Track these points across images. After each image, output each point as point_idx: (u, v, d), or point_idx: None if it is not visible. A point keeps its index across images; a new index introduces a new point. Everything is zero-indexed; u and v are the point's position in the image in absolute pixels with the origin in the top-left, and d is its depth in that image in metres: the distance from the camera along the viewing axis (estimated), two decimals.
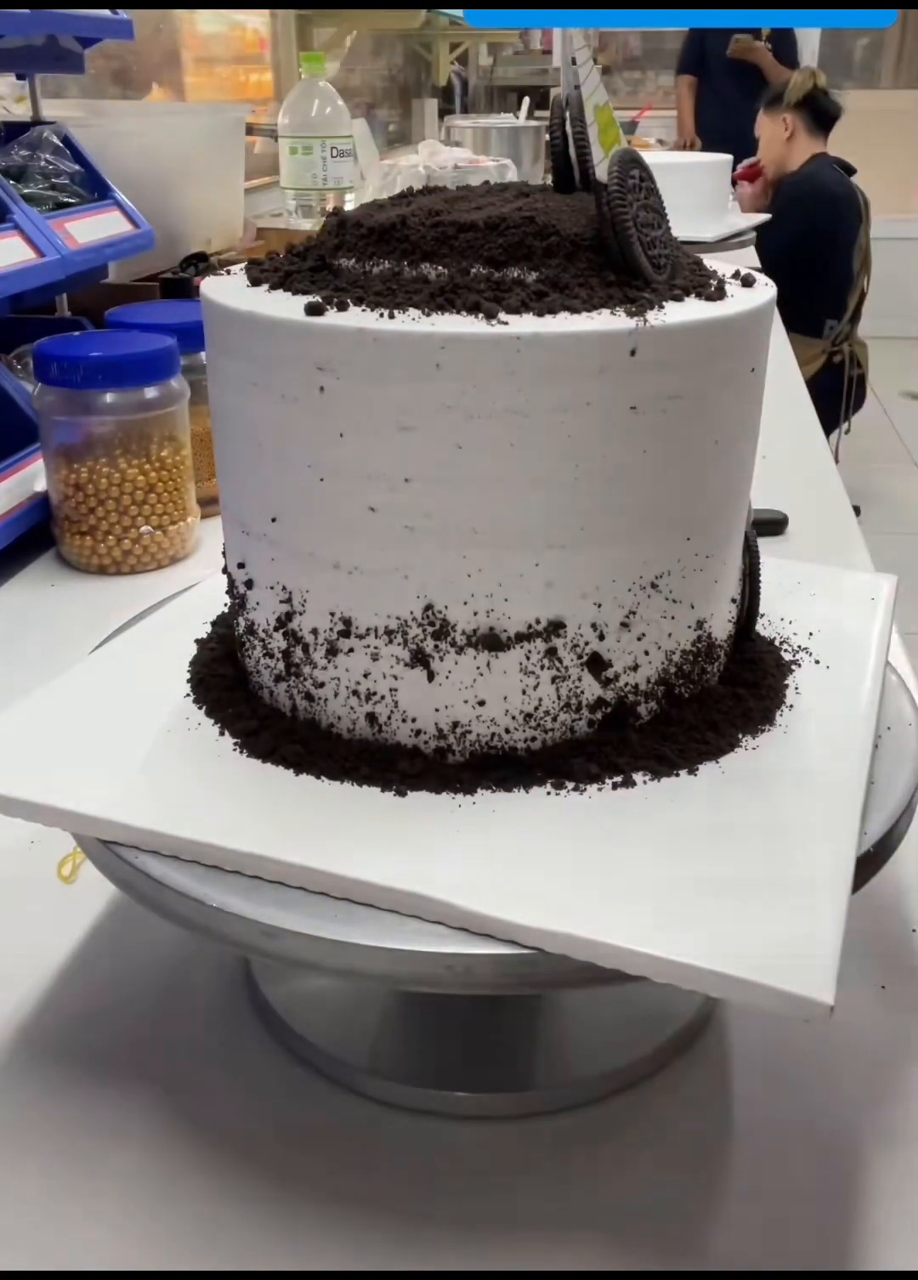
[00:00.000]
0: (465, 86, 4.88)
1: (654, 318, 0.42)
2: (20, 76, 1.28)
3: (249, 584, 0.48)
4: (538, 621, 0.44)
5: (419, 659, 0.44)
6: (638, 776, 0.45)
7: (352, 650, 0.45)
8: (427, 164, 1.92)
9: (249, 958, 0.52)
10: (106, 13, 1.25)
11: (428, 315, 0.41)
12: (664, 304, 0.43)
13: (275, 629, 0.47)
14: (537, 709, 0.45)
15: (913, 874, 0.57)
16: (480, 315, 0.41)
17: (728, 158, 2.30)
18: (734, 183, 2.81)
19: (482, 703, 0.45)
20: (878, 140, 4.73)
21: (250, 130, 2.10)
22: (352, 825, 0.42)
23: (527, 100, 2.76)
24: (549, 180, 0.52)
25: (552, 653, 0.44)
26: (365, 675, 0.45)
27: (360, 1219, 0.43)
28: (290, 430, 0.44)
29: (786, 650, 0.54)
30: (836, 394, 2.77)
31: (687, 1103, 0.47)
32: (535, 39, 5.49)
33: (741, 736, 0.47)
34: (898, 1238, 0.42)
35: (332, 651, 0.46)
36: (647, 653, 0.46)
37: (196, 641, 0.54)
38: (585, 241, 0.45)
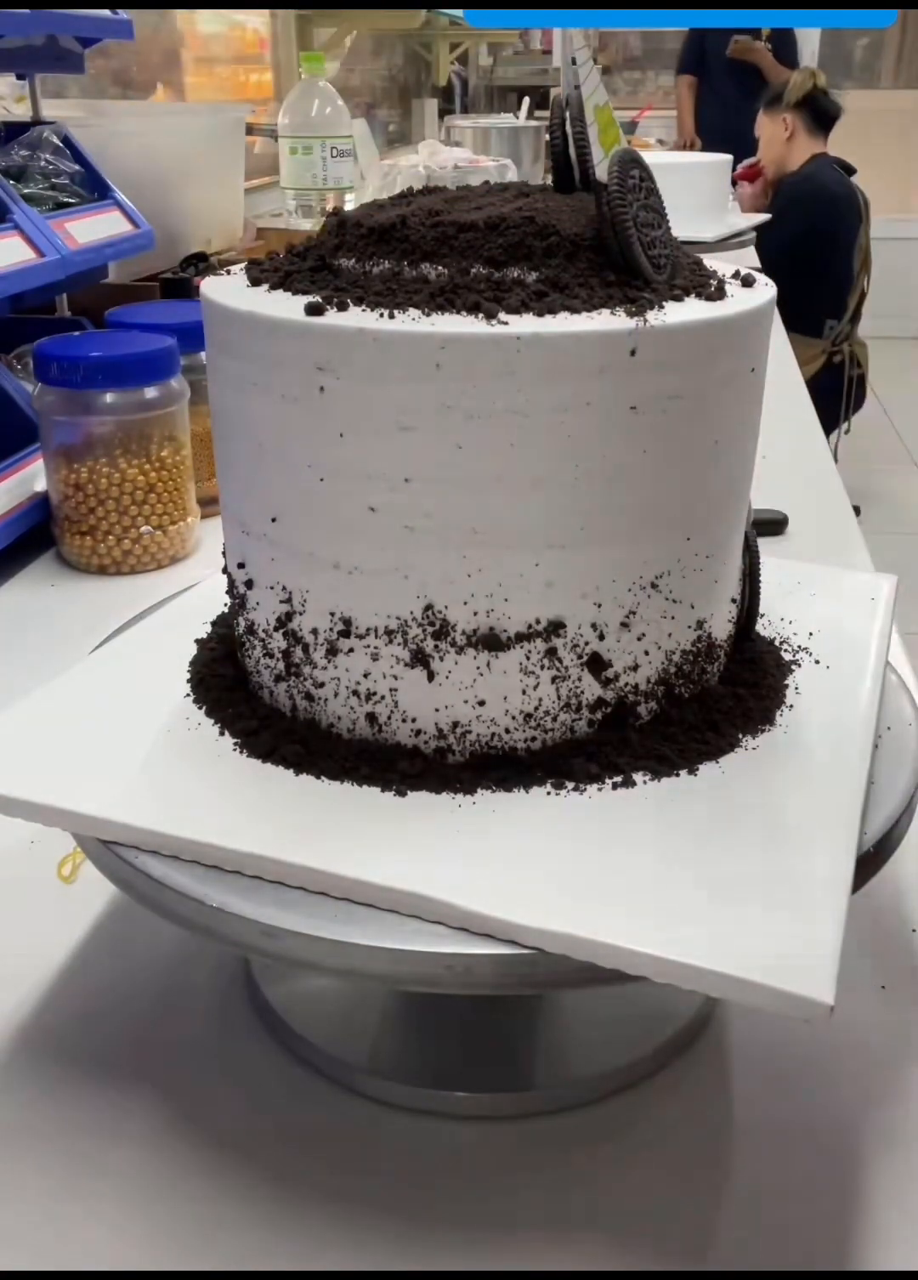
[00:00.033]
0: (465, 86, 4.88)
1: (654, 318, 0.42)
2: (20, 76, 1.28)
3: (249, 584, 0.48)
4: (538, 621, 0.44)
5: (419, 659, 0.44)
6: (638, 776, 0.45)
7: (352, 650, 0.45)
8: (427, 164, 1.92)
9: (249, 958, 0.52)
10: (106, 13, 1.25)
11: (428, 315, 0.41)
12: (664, 304, 0.43)
13: (275, 629, 0.47)
14: (537, 709, 0.45)
15: (913, 874, 0.57)
16: (480, 315, 0.41)
17: (728, 158, 2.30)
18: (734, 183, 2.81)
19: (482, 703, 0.45)
20: (878, 140, 4.73)
21: (250, 130, 2.10)
22: (352, 825, 0.42)
23: (527, 100, 2.76)
24: (549, 180, 0.52)
25: (552, 653, 0.44)
26: (365, 675, 0.45)
27: (360, 1219, 0.43)
28: (290, 430, 0.44)
29: (786, 650, 0.54)
30: (836, 394, 2.77)
31: (687, 1102, 0.47)
32: (535, 39, 5.49)
33: (741, 736, 0.47)
34: (898, 1238, 0.42)
35: (332, 651, 0.46)
36: (647, 653, 0.46)
37: (196, 641, 0.54)
38: (585, 241, 0.45)
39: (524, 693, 0.45)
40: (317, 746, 0.46)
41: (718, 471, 0.46)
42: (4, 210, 1.03)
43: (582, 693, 0.45)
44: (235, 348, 0.45)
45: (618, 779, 0.45)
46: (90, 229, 1.16)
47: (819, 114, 2.92)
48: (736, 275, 0.49)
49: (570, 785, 0.44)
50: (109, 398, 0.89)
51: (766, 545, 0.54)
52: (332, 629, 0.45)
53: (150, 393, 0.91)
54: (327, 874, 0.40)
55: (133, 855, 0.42)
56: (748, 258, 2.20)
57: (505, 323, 0.41)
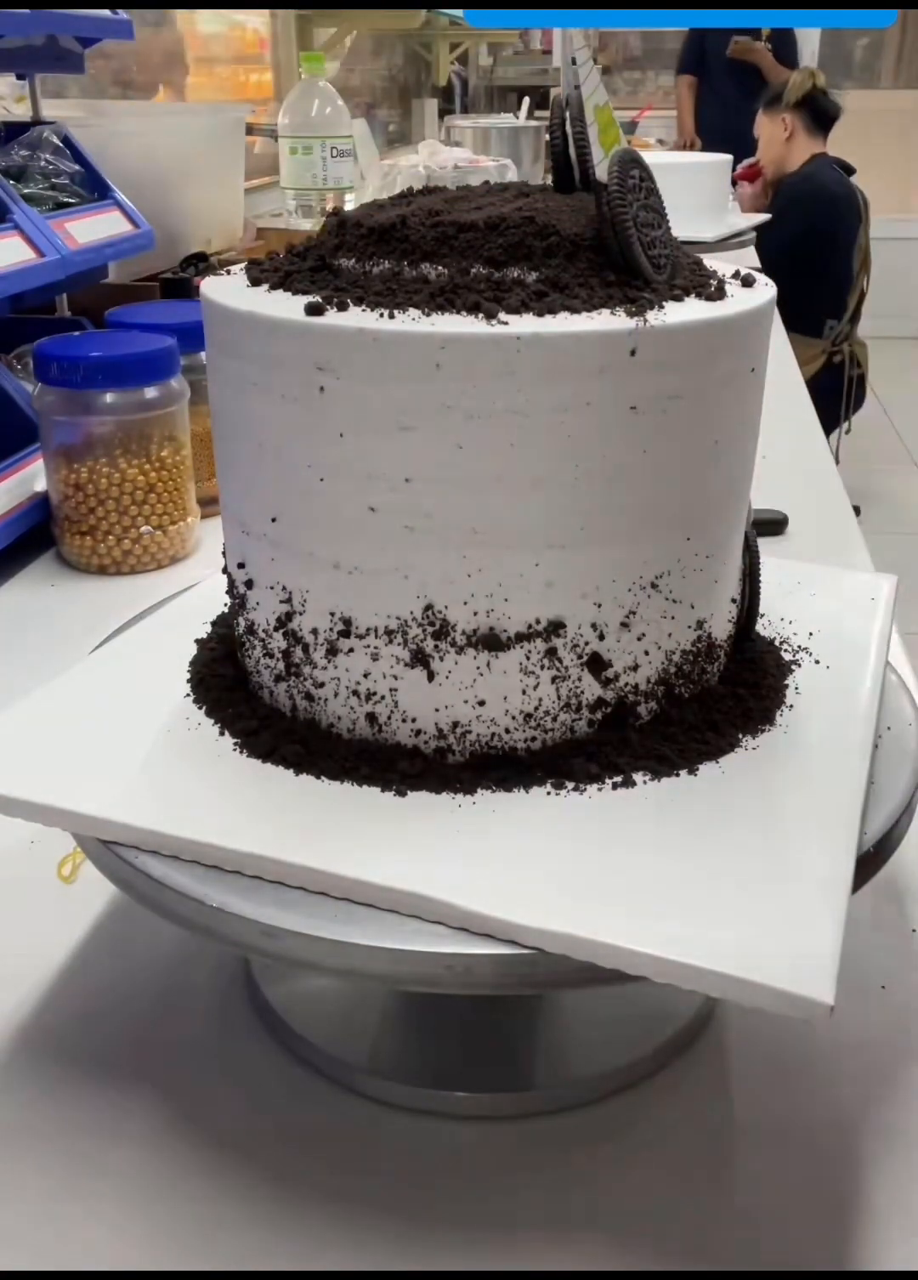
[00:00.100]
0: (465, 86, 4.88)
1: (654, 318, 0.42)
2: (20, 76, 1.28)
3: (249, 584, 0.48)
4: (538, 621, 0.44)
5: (419, 659, 0.44)
6: (638, 776, 0.45)
7: (352, 650, 0.45)
8: (427, 164, 1.92)
9: (249, 958, 0.52)
10: (106, 13, 1.25)
11: (428, 315, 0.41)
12: (664, 304, 0.43)
13: (275, 629, 0.47)
14: (537, 709, 0.45)
15: (913, 874, 0.57)
16: (480, 315, 0.41)
17: (728, 158, 2.30)
18: (734, 183, 2.81)
19: (482, 703, 0.45)
20: (878, 140, 4.73)
21: (250, 130, 2.10)
22: (352, 825, 0.42)
23: (527, 100, 2.76)
24: (549, 180, 0.52)
25: (552, 653, 0.44)
26: (365, 675, 0.45)
27: (360, 1219, 0.43)
28: (290, 430, 0.44)
29: (786, 650, 0.54)
30: (836, 394, 2.78)
31: (687, 1103, 0.47)
32: (535, 39, 5.49)
33: (741, 736, 0.47)
34: (898, 1238, 0.42)
35: (332, 651, 0.46)
36: (647, 653, 0.46)
37: (196, 641, 0.54)
38: (585, 241, 0.45)
39: (524, 693, 0.45)
40: (317, 746, 0.46)
41: (718, 471, 0.46)
42: (4, 210, 1.03)
43: (582, 693, 0.45)
44: (235, 348, 0.45)
45: (618, 779, 0.45)
46: (90, 229, 1.16)
47: (819, 114, 2.92)
48: (736, 275, 0.49)
49: (570, 785, 0.44)
50: (109, 398, 0.89)
51: (766, 545, 0.54)
52: (332, 629, 0.45)
53: (150, 393, 0.91)
54: (327, 874, 0.40)
55: (133, 855, 0.42)
56: (748, 258, 2.20)
57: (505, 323, 0.41)
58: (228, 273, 0.50)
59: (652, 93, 5.72)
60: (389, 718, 0.46)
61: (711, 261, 0.51)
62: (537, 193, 0.49)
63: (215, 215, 1.73)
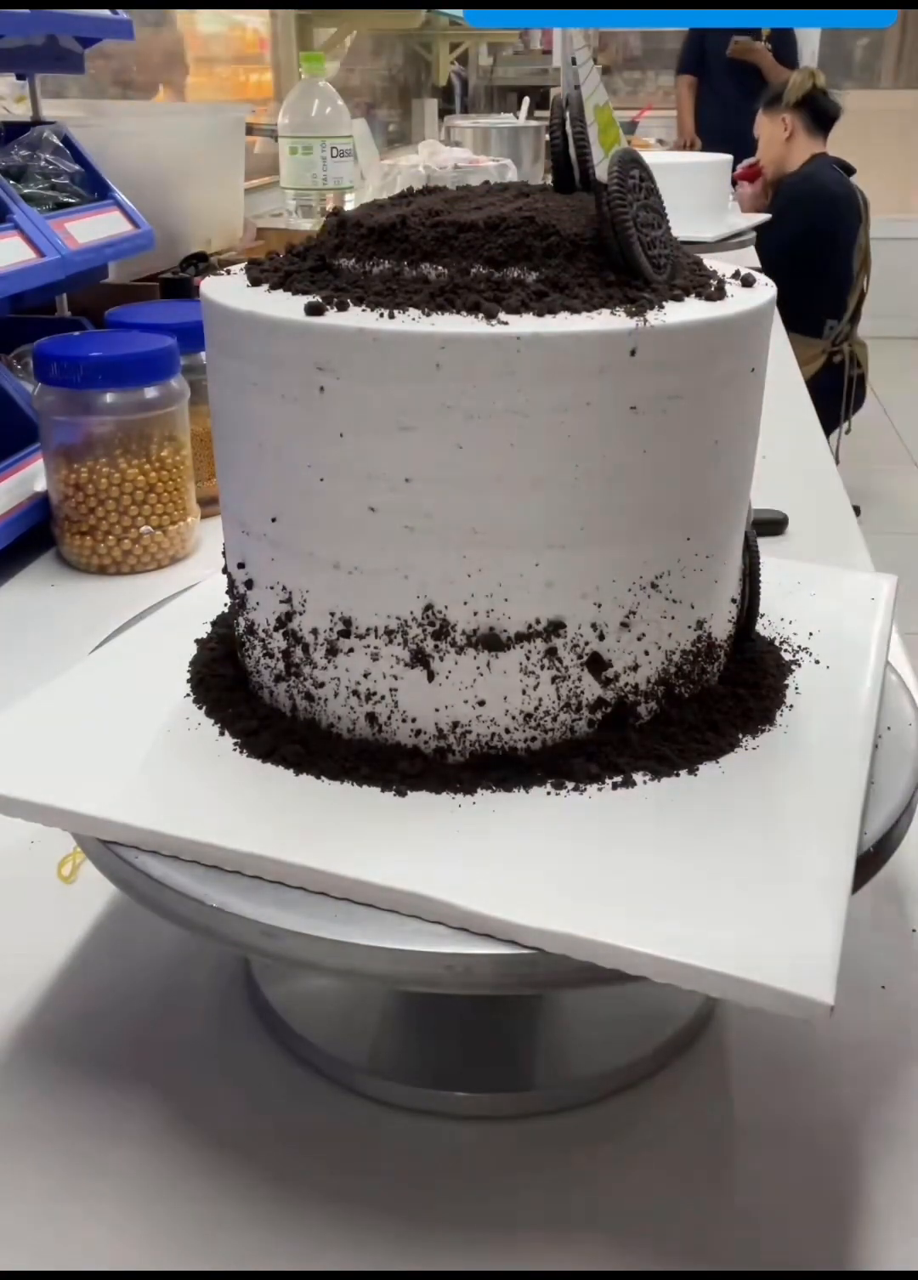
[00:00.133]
0: (465, 86, 4.88)
1: (654, 318, 0.42)
2: (20, 76, 1.28)
3: (249, 584, 0.48)
4: (538, 621, 0.44)
5: (419, 659, 0.44)
6: (638, 776, 0.45)
7: (352, 650, 0.45)
8: (427, 164, 1.92)
9: (249, 958, 0.52)
10: (106, 13, 1.25)
11: (428, 315, 0.41)
12: (664, 304, 0.43)
13: (275, 629, 0.47)
14: (537, 709, 0.45)
15: (913, 874, 0.57)
16: (480, 315, 0.41)
17: (728, 158, 2.30)
18: (734, 183, 2.81)
19: (482, 703, 0.45)
20: (878, 140, 4.73)
21: (250, 130, 2.10)
22: (352, 825, 0.42)
23: (527, 100, 2.76)
24: (549, 180, 0.52)
25: (552, 653, 0.44)
26: (365, 675, 0.45)
27: (360, 1219, 0.43)
28: (290, 430, 0.44)
29: (786, 650, 0.54)
30: (836, 394, 2.78)
31: (687, 1103, 0.47)
32: (535, 39, 5.49)
33: (741, 736, 0.47)
34: (898, 1238, 0.42)
35: (332, 651, 0.46)
36: (647, 653, 0.46)
37: (196, 641, 0.54)
38: (585, 241, 0.45)
39: (524, 693, 0.45)
40: (317, 746, 0.46)
41: (718, 471, 0.46)
42: (4, 210, 1.03)
43: (582, 693, 0.45)
44: (235, 348, 0.45)
45: (618, 779, 0.45)
46: (90, 229, 1.16)
47: (819, 114, 2.92)
48: (736, 275, 0.49)
49: (570, 785, 0.44)
50: (109, 398, 0.89)
51: (766, 545, 0.54)
52: (332, 629, 0.45)
53: (150, 393, 0.91)
54: (327, 874, 0.40)
55: (133, 855, 0.42)
56: (748, 258, 2.20)
57: (505, 323, 0.41)
58: (228, 273, 0.50)
59: (652, 93, 5.72)
60: (389, 718, 0.46)
61: (711, 261, 0.51)
62: (537, 193, 0.49)
63: (215, 215, 1.73)
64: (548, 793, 0.44)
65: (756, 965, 0.36)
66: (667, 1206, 0.43)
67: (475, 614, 0.43)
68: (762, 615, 0.54)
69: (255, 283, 0.47)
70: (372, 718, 0.46)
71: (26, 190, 1.13)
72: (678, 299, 0.44)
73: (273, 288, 0.46)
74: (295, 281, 0.46)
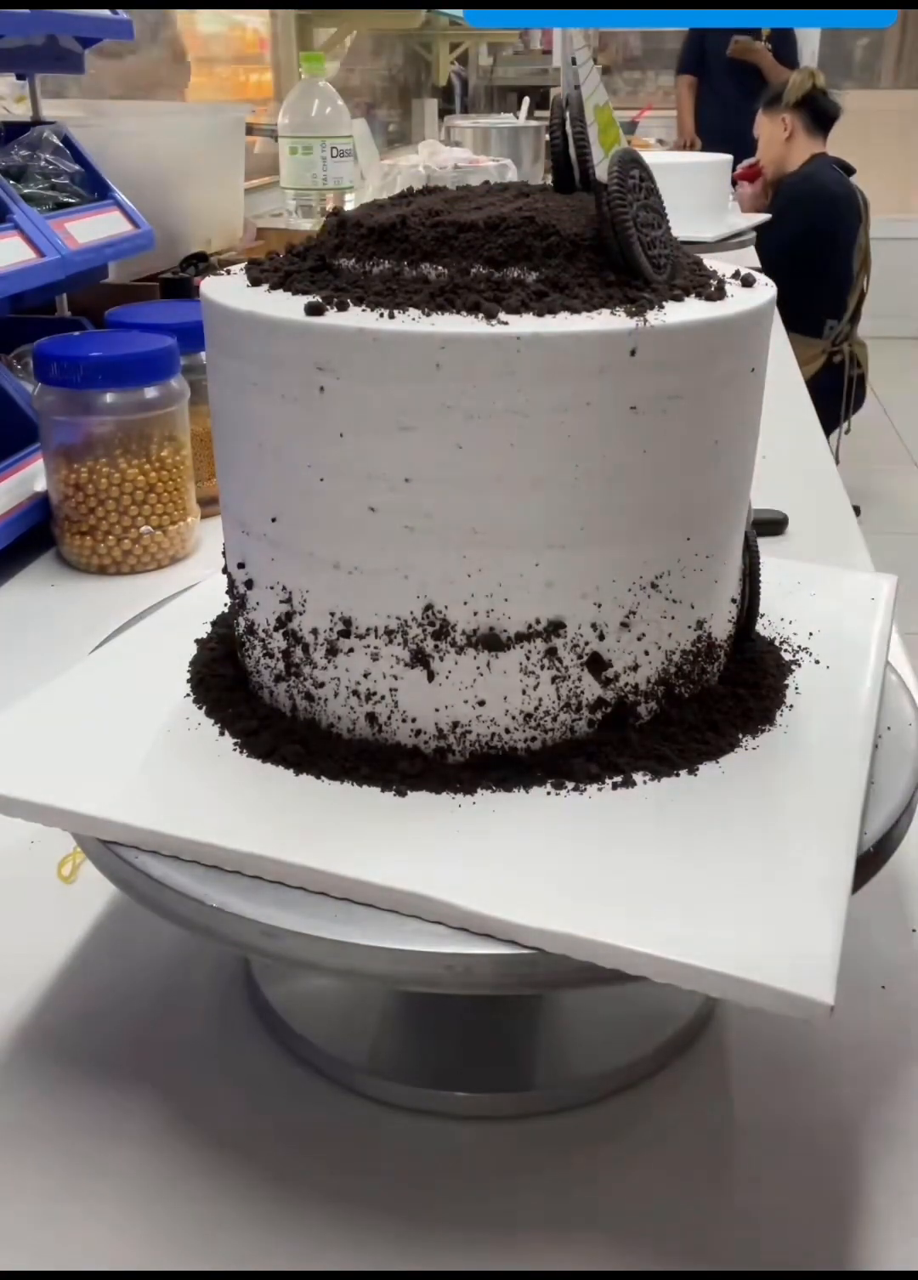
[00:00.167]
0: (465, 86, 4.88)
1: (654, 318, 0.42)
2: (20, 76, 1.28)
3: (249, 584, 0.48)
4: (538, 621, 0.44)
5: (419, 659, 0.44)
6: (638, 776, 0.45)
7: (352, 650, 0.45)
8: (427, 164, 1.92)
9: (249, 958, 0.52)
10: (106, 13, 1.25)
11: (428, 315, 0.41)
12: (664, 304, 0.43)
13: (275, 629, 0.47)
14: (537, 709, 0.45)
15: (913, 874, 0.57)
16: (480, 315, 0.41)
17: (728, 158, 2.30)
18: (734, 183, 2.81)
19: (482, 703, 0.45)
20: (878, 140, 4.74)
21: (250, 130, 2.10)
22: (352, 825, 0.42)
23: (527, 100, 2.76)
24: (549, 180, 0.52)
25: (552, 653, 0.44)
26: (365, 675, 0.45)
27: (360, 1219, 0.43)
28: (290, 430, 0.44)
29: (786, 650, 0.54)
30: (836, 394, 2.78)
31: (687, 1102, 0.47)
32: (535, 39, 5.49)
33: (741, 736, 0.47)
34: (898, 1238, 0.42)
35: (332, 651, 0.46)
36: (647, 653, 0.46)
37: (196, 641, 0.54)
38: (585, 241, 0.45)
39: (524, 693, 0.45)
40: (317, 746, 0.46)
41: (718, 471, 0.46)
42: (4, 210, 1.03)
43: (582, 693, 0.45)
44: (235, 348, 0.45)
45: (618, 779, 0.45)
46: (90, 229, 1.16)
47: (818, 114, 2.92)
48: (736, 275, 0.49)
49: (570, 785, 0.44)
50: (109, 398, 0.89)
51: (766, 545, 0.54)
52: (332, 629, 0.45)
53: (150, 393, 0.91)
54: (327, 874, 0.40)
55: (133, 855, 0.42)
56: (748, 258, 2.20)
57: (505, 323, 0.41)
58: (228, 273, 0.50)
59: (652, 93, 5.72)
60: (389, 718, 0.46)
61: (711, 261, 0.51)
62: (537, 193, 0.49)
63: (215, 215, 1.73)
64: (548, 793, 0.44)
65: (756, 965, 0.36)
66: (667, 1206, 0.43)
67: (475, 614, 0.43)
68: (762, 615, 0.54)
69: (255, 283, 0.47)
70: (372, 718, 0.46)
71: (26, 190, 1.13)
72: (678, 299, 0.44)
73: (273, 288, 0.46)
74: (295, 281, 0.46)
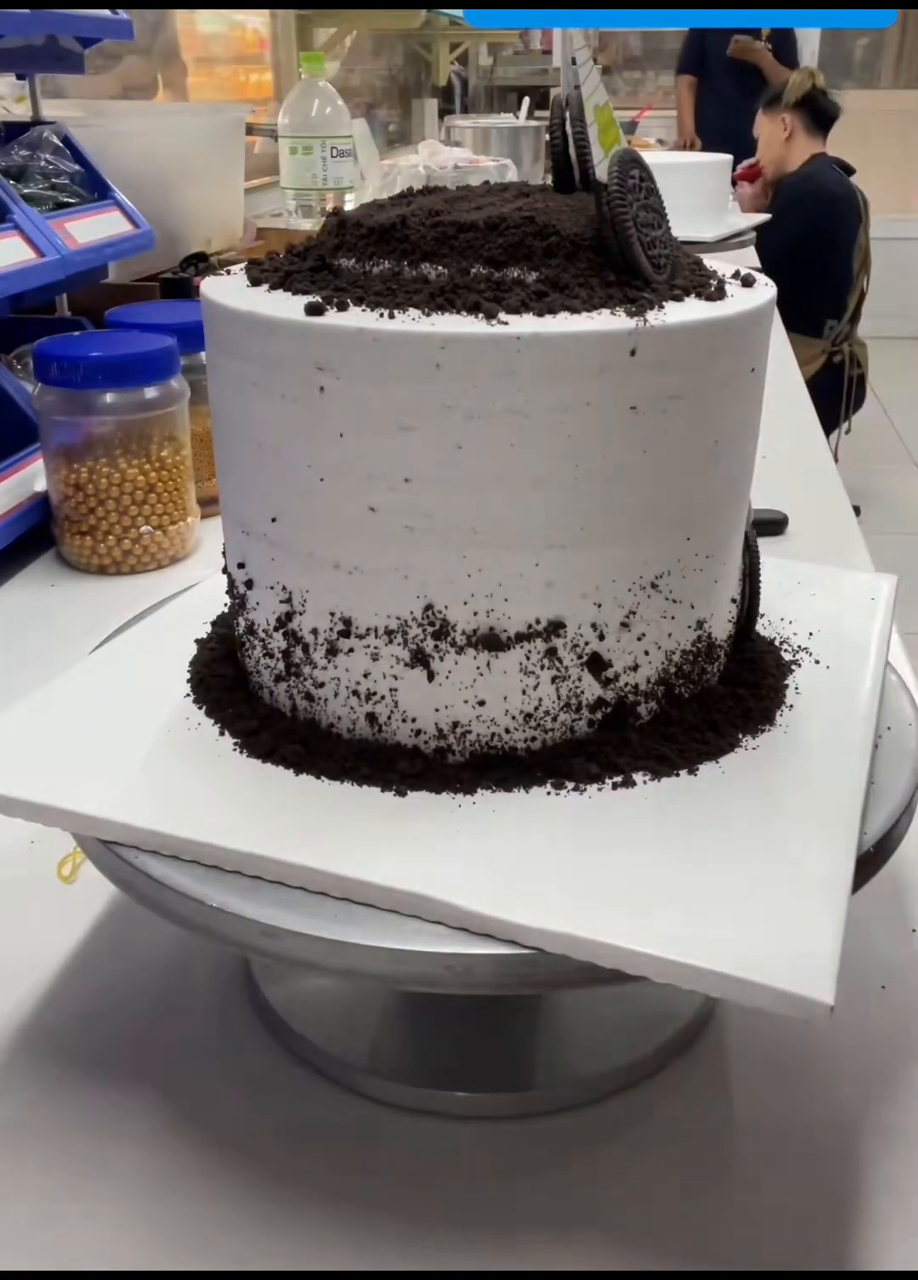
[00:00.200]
0: (465, 86, 4.88)
1: (654, 318, 0.42)
2: (20, 76, 1.28)
3: (249, 584, 0.48)
4: (538, 621, 0.44)
5: (419, 659, 0.44)
6: (638, 776, 0.45)
7: (352, 650, 0.45)
8: (427, 164, 1.92)
9: (249, 958, 0.52)
10: (106, 13, 1.25)
11: (428, 315, 0.41)
12: (664, 304, 0.43)
13: (275, 629, 0.47)
14: (537, 709, 0.45)
15: (913, 874, 0.57)
16: (480, 315, 0.41)
17: (728, 158, 2.30)
18: (734, 183, 2.81)
19: (482, 703, 0.45)
20: (878, 140, 4.74)
21: (250, 130, 2.10)
22: (352, 825, 0.42)
23: (527, 100, 2.76)
24: (549, 180, 0.52)
25: (552, 653, 0.44)
26: (365, 675, 0.45)
27: (360, 1219, 0.43)
28: (290, 430, 0.44)
29: (786, 650, 0.54)
30: (836, 394, 2.78)
31: (687, 1102, 0.47)
32: (535, 39, 5.49)
33: (741, 736, 0.47)
34: (898, 1238, 0.42)
35: (332, 651, 0.46)
36: (647, 653, 0.46)
37: (197, 641, 0.54)
38: (585, 241, 0.45)
39: (524, 693, 0.45)
40: (317, 746, 0.46)
41: (718, 471, 0.46)
42: (4, 210, 1.03)
43: (582, 693, 0.45)
44: (235, 348, 0.45)
45: (618, 779, 0.45)
46: (90, 229, 1.16)
47: (818, 114, 2.92)
48: (736, 275, 0.49)
49: (570, 785, 0.44)
50: (109, 398, 0.89)
51: (766, 545, 0.54)
52: (332, 629, 0.45)
53: (150, 393, 0.91)
54: (327, 874, 0.40)
55: (133, 855, 0.42)
56: (748, 258, 2.20)
57: (505, 323, 0.41)
58: (228, 273, 0.50)
59: (652, 93, 5.72)
60: (389, 718, 0.46)
61: (711, 261, 0.51)
62: (537, 193, 0.49)
63: (215, 215, 1.73)
64: (548, 793, 0.44)
65: (756, 965, 0.36)
66: (667, 1206, 0.43)
67: (475, 614, 0.43)
68: (762, 615, 0.54)
69: (255, 283, 0.47)
70: (372, 718, 0.46)
71: (26, 190, 1.13)
72: (678, 299, 0.44)
73: (273, 288, 0.46)
74: (295, 281, 0.46)
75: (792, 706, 0.50)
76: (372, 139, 2.55)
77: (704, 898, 0.39)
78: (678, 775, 0.45)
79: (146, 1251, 0.42)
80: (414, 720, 0.45)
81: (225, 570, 0.51)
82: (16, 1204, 0.43)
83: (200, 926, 0.41)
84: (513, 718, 0.45)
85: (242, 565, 0.49)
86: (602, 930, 0.37)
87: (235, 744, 0.47)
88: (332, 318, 0.42)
